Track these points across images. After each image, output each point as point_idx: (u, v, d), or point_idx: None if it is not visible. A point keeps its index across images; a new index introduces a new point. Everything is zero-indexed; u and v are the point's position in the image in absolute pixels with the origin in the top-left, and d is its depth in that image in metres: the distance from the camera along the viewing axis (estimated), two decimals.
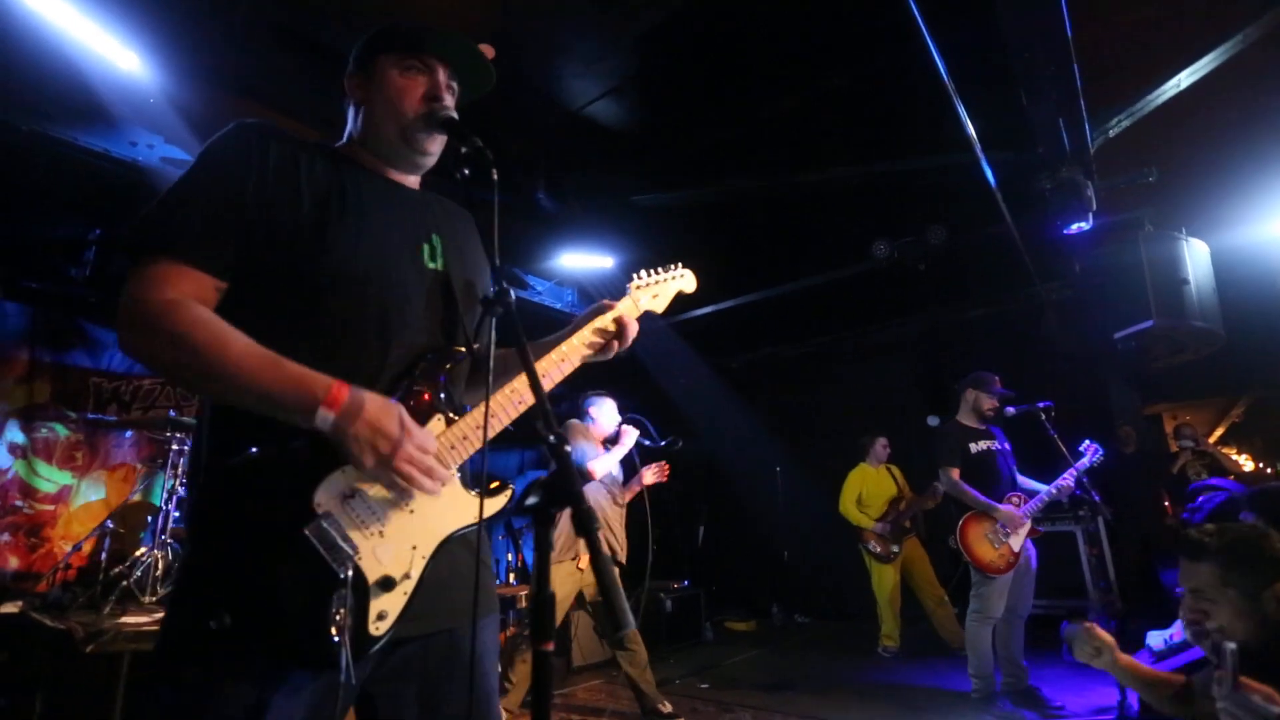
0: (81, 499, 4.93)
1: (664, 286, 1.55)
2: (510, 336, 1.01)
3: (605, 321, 1.37)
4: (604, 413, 4.01)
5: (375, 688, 1.09)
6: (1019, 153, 4.09)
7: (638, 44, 3.89)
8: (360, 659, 0.97)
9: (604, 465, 3.79)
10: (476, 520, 1.13)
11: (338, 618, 0.94)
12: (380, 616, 1.01)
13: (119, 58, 3.25)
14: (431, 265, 1.21)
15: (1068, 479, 3.72)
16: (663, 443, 3.95)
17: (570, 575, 3.60)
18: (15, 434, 4.70)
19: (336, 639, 0.93)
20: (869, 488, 5.73)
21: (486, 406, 1.06)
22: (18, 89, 3.27)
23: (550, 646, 0.73)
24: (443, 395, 1.15)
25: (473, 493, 1.14)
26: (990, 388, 4.00)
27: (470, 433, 1.13)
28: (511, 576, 5.86)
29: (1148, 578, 5.36)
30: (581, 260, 5.74)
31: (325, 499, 0.99)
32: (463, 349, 1.21)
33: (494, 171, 1.07)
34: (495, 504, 1.16)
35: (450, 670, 1.12)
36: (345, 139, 1.29)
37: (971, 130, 3.50)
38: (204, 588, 0.98)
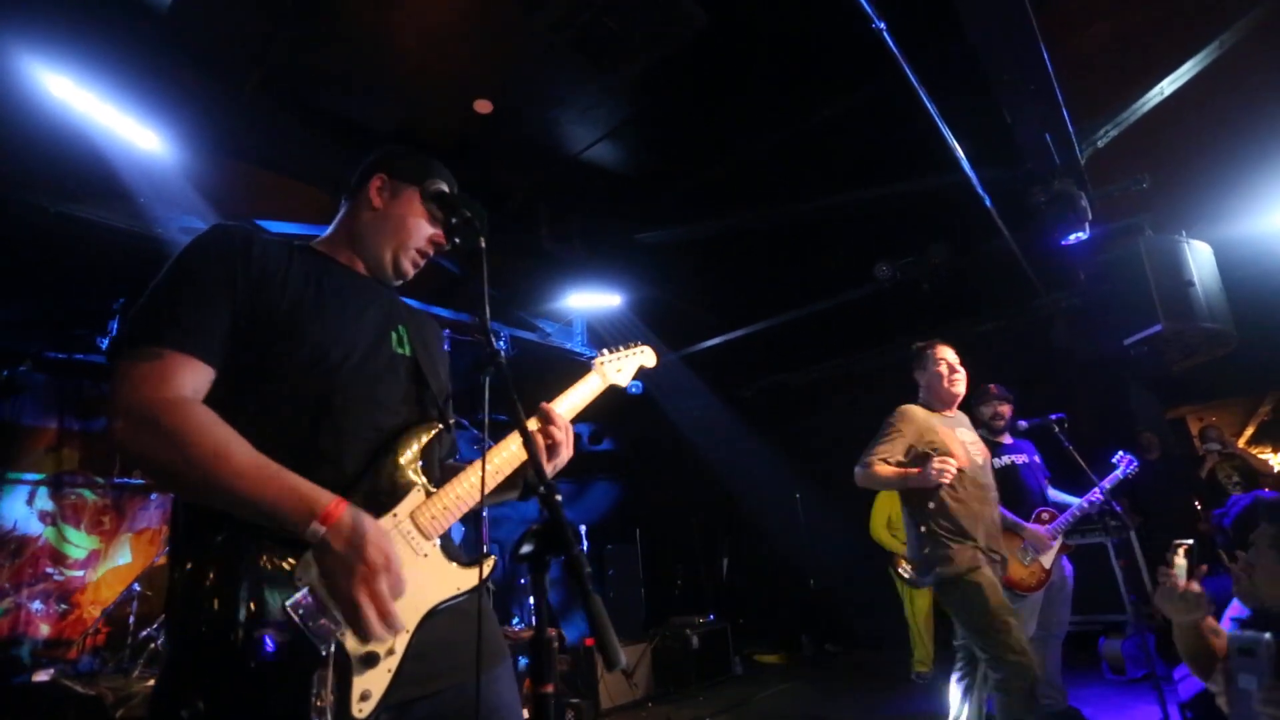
0: (109, 563, 5.02)
1: (627, 361, 1.71)
2: (506, 392, 1.05)
3: (590, 386, 1.56)
4: (933, 368, 3.42)
5: None
6: (1011, 168, 4.14)
7: (630, 90, 4.03)
8: None
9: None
10: (461, 592, 1.14)
11: (318, 702, 0.90)
12: (364, 697, 0.98)
13: (138, 137, 3.44)
14: (400, 351, 1.27)
15: (1097, 493, 3.62)
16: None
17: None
18: (45, 501, 4.82)
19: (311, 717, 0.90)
20: (899, 510, 5.65)
21: (484, 469, 1.11)
22: (46, 174, 3.46)
23: (551, 689, 0.76)
24: (424, 469, 1.18)
25: (453, 564, 1.16)
26: (985, 397, 3.98)
27: (451, 504, 1.16)
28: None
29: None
30: (589, 300, 5.84)
31: (304, 574, 0.98)
32: (439, 424, 1.25)
33: (482, 240, 1.14)
34: (475, 575, 1.18)
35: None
36: (333, 229, 1.36)
37: (960, 152, 3.57)
38: (179, 675, 0.96)
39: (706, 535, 7.93)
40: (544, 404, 1.38)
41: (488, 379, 1.09)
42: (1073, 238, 4.04)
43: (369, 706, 0.98)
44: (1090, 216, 3.98)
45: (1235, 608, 2.80)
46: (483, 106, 4.09)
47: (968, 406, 4.19)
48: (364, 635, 0.97)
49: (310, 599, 0.96)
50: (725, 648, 6.08)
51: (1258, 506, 2.56)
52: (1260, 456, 6.17)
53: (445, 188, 1.26)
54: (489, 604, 1.22)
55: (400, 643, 1.04)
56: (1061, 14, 3.38)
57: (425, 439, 1.21)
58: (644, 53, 3.62)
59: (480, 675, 1.13)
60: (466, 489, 1.19)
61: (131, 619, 4.05)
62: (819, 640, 7.04)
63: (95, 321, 4.59)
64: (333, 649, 0.95)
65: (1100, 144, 3.87)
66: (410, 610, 1.06)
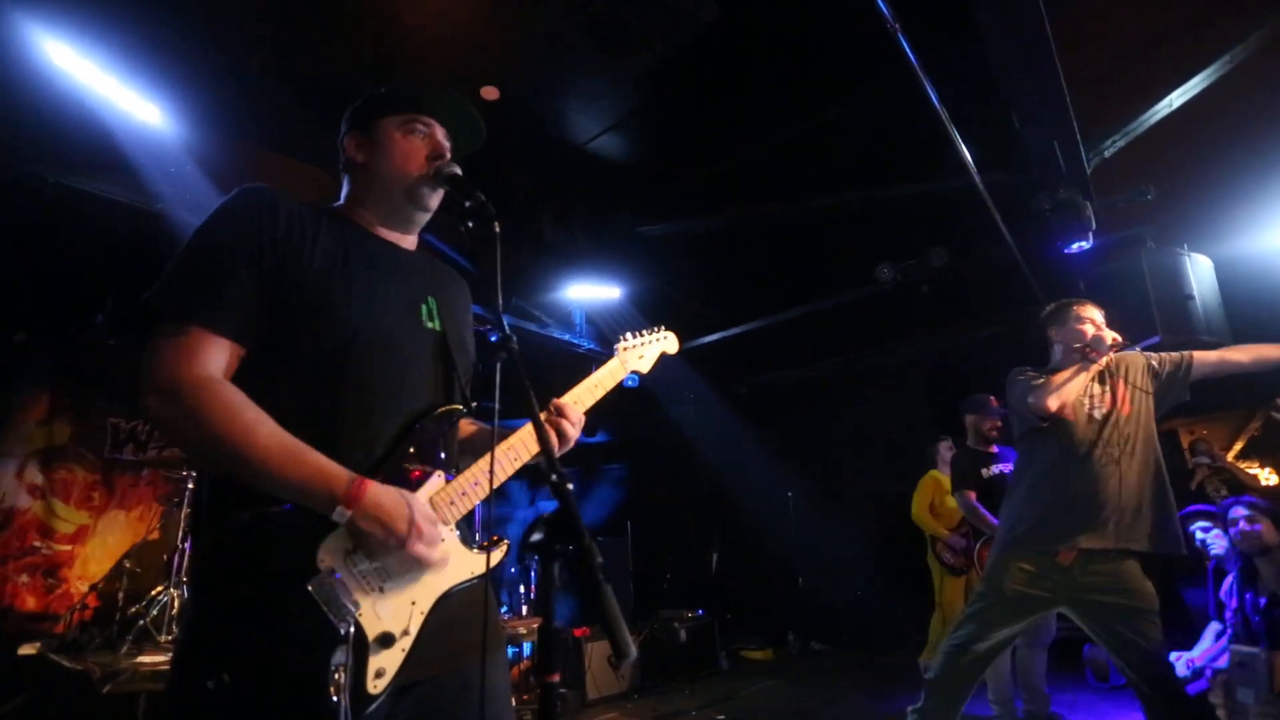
0: (99, 539, 4.99)
1: (649, 348, 1.64)
2: (517, 379, 1.04)
3: (610, 371, 1.51)
4: (1073, 325, 2.92)
5: None
6: (1017, 174, 4.14)
7: (638, 81, 4.01)
8: (358, 718, 0.96)
9: (1069, 390, 2.59)
10: (475, 576, 1.16)
11: (337, 676, 0.93)
12: (379, 674, 1.01)
13: (140, 110, 3.40)
14: (430, 325, 1.25)
15: None
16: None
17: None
18: (34, 475, 4.78)
19: (336, 699, 0.92)
20: (942, 495, 5.61)
21: (493, 455, 1.10)
22: (46, 144, 3.41)
23: (556, 678, 0.76)
24: (442, 454, 1.19)
25: (472, 549, 1.18)
26: (987, 409, 4.00)
27: (468, 488, 1.18)
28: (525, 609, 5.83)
29: (1170, 597, 5.25)
30: (589, 291, 5.82)
31: (328, 555, 1.00)
32: (461, 407, 1.25)
33: (496, 225, 1.12)
34: (493, 559, 1.19)
35: (462, 709, 1.14)
36: (343, 200, 1.33)
37: (968, 156, 3.56)
38: (204, 646, 0.98)
39: (697, 530, 7.95)
40: (556, 400, 1.38)
41: (499, 365, 1.07)
42: (1076, 246, 4.05)
43: (383, 683, 1.01)
44: (1094, 226, 3.98)
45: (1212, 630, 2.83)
46: (489, 93, 4.06)
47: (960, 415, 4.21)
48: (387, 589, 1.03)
49: (331, 580, 0.99)
50: (712, 642, 6.10)
51: None
52: (1248, 471, 6.20)
53: (457, 170, 1.24)
54: (492, 591, 1.23)
55: (415, 624, 1.07)
56: (1075, 22, 3.36)
57: (447, 423, 1.22)
58: (654, 43, 3.60)
59: (477, 663, 1.15)
60: (484, 479, 1.18)
61: (120, 595, 4.03)
62: (805, 638, 7.08)
63: (92, 295, 4.55)
64: (351, 629, 0.97)
65: (1107, 154, 3.88)
66: (427, 592, 1.09)
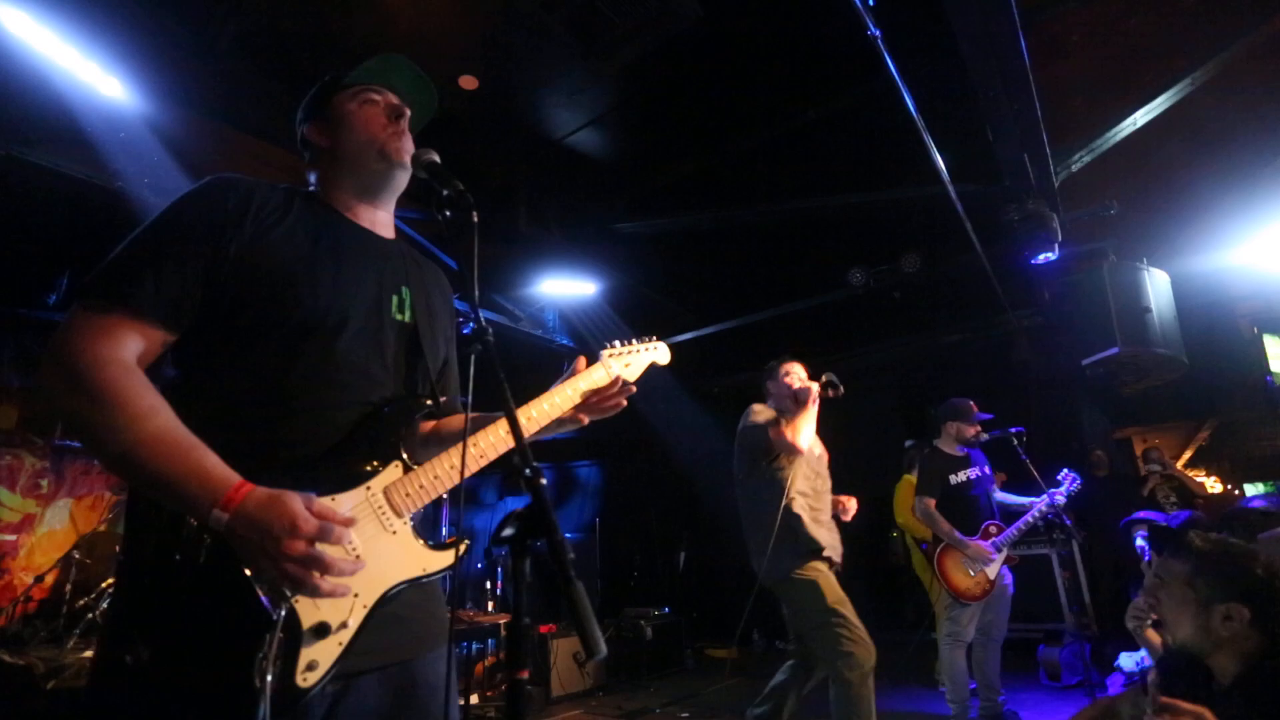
0: (45, 528, 4.80)
1: (637, 357, 1.59)
2: (490, 372, 1.03)
3: (591, 379, 1.42)
4: (784, 379, 3.37)
5: None
6: (988, 184, 4.24)
7: (618, 77, 3.99)
8: (284, 713, 0.91)
9: (805, 432, 3.05)
10: (428, 573, 1.11)
11: (264, 664, 0.88)
12: (310, 667, 0.95)
13: (101, 84, 3.27)
14: (399, 317, 1.24)
15: (1041, 507, 3.79)
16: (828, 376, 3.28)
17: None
18: None
19: (258, 686, 0.87)
20: None
21: (465, 447, 1.08)
22: (0, 115, 3.26)
23: (525, 674, 0.75)
24: (402, 445, 1.15)
25: (422, 544, 1.12)
26: (969, 416, 4.06)
27: (428, 482, 1.13)
28: (490, 605, 5.79)
29: (1121, 600, 5.45)
30: (563, 287, 5.79)
31: None
32: (427, 400, 1.23)
33: (475, 214, 1.11)
34: (446, 558, 1.14)
35: (407, 702, 1.11)
36: (315, 186, 1.32)
37: (941, 163, 3.62)
38: (128, 622, 0.95)
39: (665, 528, 7.98)
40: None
41: (474, 356, 1.05)
42: (1042, 257, 4.16)
43: (314, 677, 0.95)
44: (1060, 238, 4.09)
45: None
46: (468, 82, 4.00)
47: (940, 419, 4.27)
48: (314, 595, 0.94)
49: None
50: (678, 640, 6.14)
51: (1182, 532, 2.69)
52: (1196, 479, 6.46)
53: (435, 158, 1.22)
54: (440, 585, 1.21)
55: (356, 617, 1.01)
56: (1047, 38, 3.46)
57: (410, 416, 1.19)
58: (636, 38, 3.59)
59: (425, 654, 1.15)
60: (446, 470, 1.15)
61: (68, 587, 3.88)
62: (770, 637, 7.16)
63: (45, 274, 4.37)
64: (283, 615, 0.92)
65: (1074, 168, 3.99)
66: (371, 584, 1.03)
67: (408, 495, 1.11)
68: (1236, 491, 9.61)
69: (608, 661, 5.37)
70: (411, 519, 1.12)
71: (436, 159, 1.21)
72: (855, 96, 4.11)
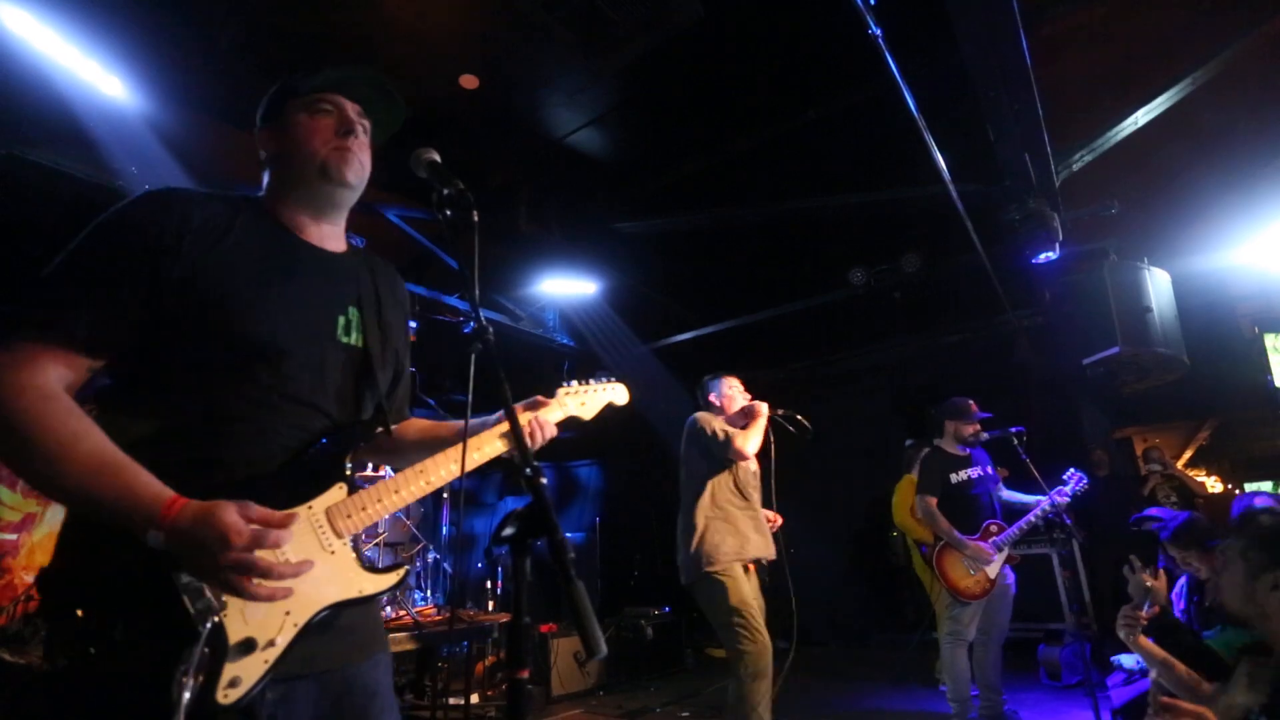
0: (46, 527, 4.79)
1: (594, 396, 1.57)
2: (490, 372, 1.02)
3: (522, 420, 1.37)
4: (730, 392, 3.54)
5: None
6: (989, 184, 4.23)
7: (619, 77, 3.99)
8: None
9: (755, 440, 3.26)
10: (363, 595, 1.10)
11: (183, 679, 0.87)
12: (232, 683, 0.93)
13: (102, 83, 3.27)
14: (346, 340, 1.21)
15: (1045, 506, 3.77)
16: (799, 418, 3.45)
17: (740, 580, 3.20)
18: None
19: (175, 700, 0.85)
20: None
21: (464, 451, 1.08)
22: (1, 114, 3.26)
23: (525, 674, 0.75)
24: (347, 467, 1.14)
25: (361, 567, 1.11)
26: (968, 415, 4.06)
27: (370, 504, 1.13)
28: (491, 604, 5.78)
29: (1122, 600, 5.44)
30: (563, 286, 5.79)
31: None
32: (372, 424, 1.23)
33: (475, 213, 1.10)
34: (384, 582, 1.13)
35: (344, 707, 1.11)
36: (266, 193, 1.27)
37: (942, 163, 3.62)
38: (58, 625, 0.95)
39: (665, 528, 7.96)
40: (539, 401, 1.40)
41: (474, 356, 1.05)
42: (1043, 257, 4.15)
43: (236, 694, 0.93)
44: (1061, 238, 4.09)
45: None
46: (469, 82, 4.00)
47: (940, 418, 4.27)
48: (253, 600, 0.94)
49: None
50: (678, 640, 6.13)
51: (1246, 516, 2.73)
52: (1196, 478, 6.46)
53: (436, 157, 1.21)
54: (379, 605, 1.23)
55: (285, 635, 0.99)
56: (1049, 39, 3.45)
57: (356, 438, 1.18)
58: (637, 38, 3.58)
59: (363, 660, 1.15)
60: (392, 498, 1.16)
61: None
62: (770, 636, 7.14)
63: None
64: (208, 628, 0.91)
65: (1075, 167, 3.98)
66: (304, 603, 1.02)
67: (349, 517, 1.10)
68: (1237, 491, 9.62)
69: (608, 661, 5.37)
70: (352, 540, 1.12)
71: (437, 158, 1.20)
72: (856, 96, 4.10)
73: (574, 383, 1.55)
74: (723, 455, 3.24)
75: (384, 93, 1.30)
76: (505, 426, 1.31)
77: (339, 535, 1.08)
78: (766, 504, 3.56)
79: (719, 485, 3.29)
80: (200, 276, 1.05)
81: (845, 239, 5.72)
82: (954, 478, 3.98)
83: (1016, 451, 3.83)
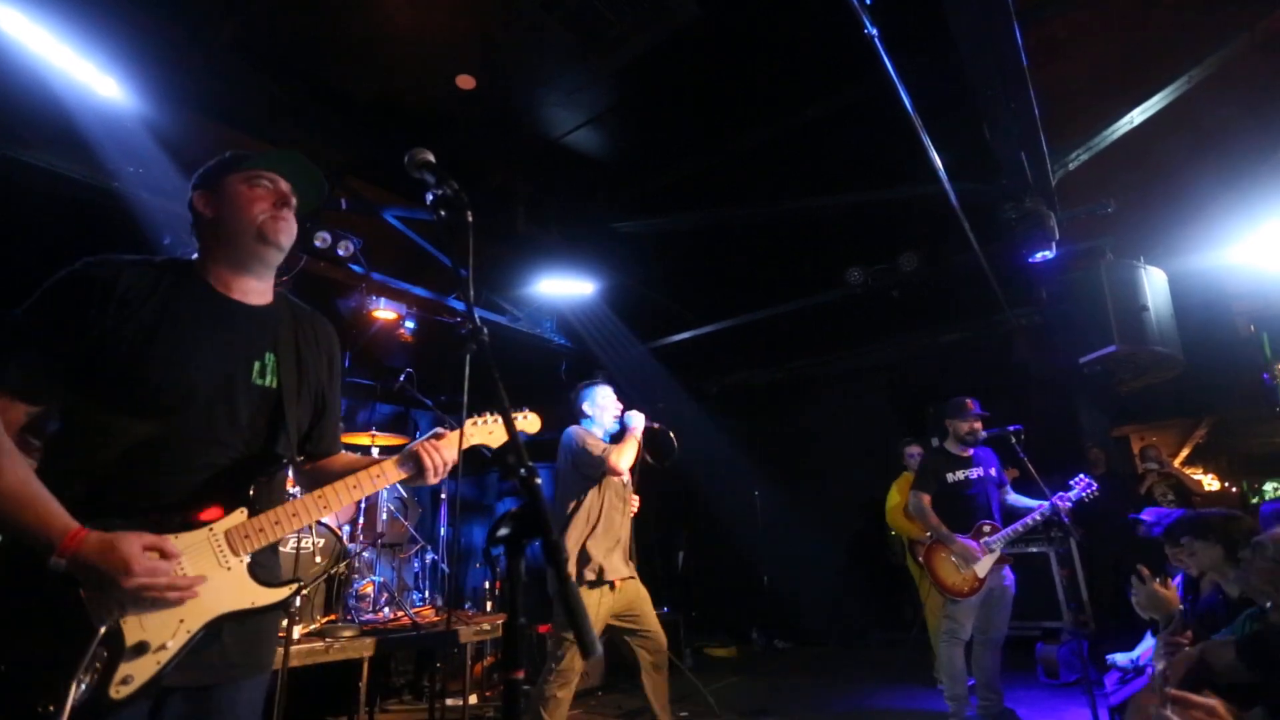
0: None
1: (500, 426, 1.67)
2: (483, 373, 1.03)
3: (416, 453, 1.51)
4: (604, 402, 3.49)
5: None
6: (986, 183, 4.24)
7: (617, 76, 3.99)
8: (95, 716, 1.03)
9: (628, 457, 3.26)
10: (255, 606, 1.25)
11: (81, 675, 0.98)
12: (125, 680, 1.06)
13: (97, 83, 3.26)
14: (260, 382, 1.38)
15: (1044, 509, 3.76)
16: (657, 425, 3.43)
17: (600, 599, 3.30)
18: None
19: (69, 689, 0.97)
20: None
21: (460, 443, 1.08)
22: None
23: (521, 675, 0.75)
24: (250, 494, 1.29)
25: (254, 581, 1.26)
26: (965, 413, 4.06)
27: (268, 526, 1.29)
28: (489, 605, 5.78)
29: (1120, 598, 5.45)
30: (561, 286, 5.78)
31: None
32: (280, 457, 1.38)
33: (470, 214, 1.11)
34: (275, 595, 1.28)
35: None
36: (196, 255, 1.43)
37: (939, 162, 3.63)
38: None
39: (664, 528, 7.97)
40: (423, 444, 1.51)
41: (469, 357, 1.05)
42: (1040, 256, 4.16)
43: (127, 690, 1.07)
44: (1057, 236, 4.09)
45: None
46: (465, 82, 4.00)
47: (941, 418, 4.26)
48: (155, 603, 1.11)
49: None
50: (677, 640, 6.12)
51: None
52: (1193, 477, 6.47)
53: (430, 157, 1.22)
54: (276, 618, 1.39)
55: (178, 640, 1.14)
56: (1045, 38, 3.46)
57: (259, 473, 1.33)
58: (634, 38, 3.59)
59: (237, 682, 1.28)
60: (287, 519, 1.32)
61: None
62: (769, 636, 7.15)
63: (39, 276, 4.36)
64: (104, 629, 1.05)
65: (1072, 166, 3.99)
66: (198, 612, 1.17)
67: (246, 537, 1.26)
68: (1234, 489, 9.63)
69: (606, 661, 5.36)
70: (248, 557, 1.26)
71: (431, 158, 1.21)
72: (853, 95, 4.10)
73: (487, 415, 1.69)
74: (597, 471, 3.27)
75: (310, 174, 1.48)
76: (408, 451, 1.51)
77: (235, 553, 1.24)
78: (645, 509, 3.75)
79: (592, 500, 3.33)
80: (121, 335, 1.24)
81: (843, 238, 5.72)
82: (950, 476, 3.99)
83: (1015, 450, 3.83)
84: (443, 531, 5.52)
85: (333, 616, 3.90)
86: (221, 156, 1.45)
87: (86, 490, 1.17)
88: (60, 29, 3.07)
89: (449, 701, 4.42)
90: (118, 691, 1.06)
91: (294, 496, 1.40)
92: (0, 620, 1.07)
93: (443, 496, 5.53)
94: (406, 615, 4.20)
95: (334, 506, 1.39)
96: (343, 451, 1.62)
